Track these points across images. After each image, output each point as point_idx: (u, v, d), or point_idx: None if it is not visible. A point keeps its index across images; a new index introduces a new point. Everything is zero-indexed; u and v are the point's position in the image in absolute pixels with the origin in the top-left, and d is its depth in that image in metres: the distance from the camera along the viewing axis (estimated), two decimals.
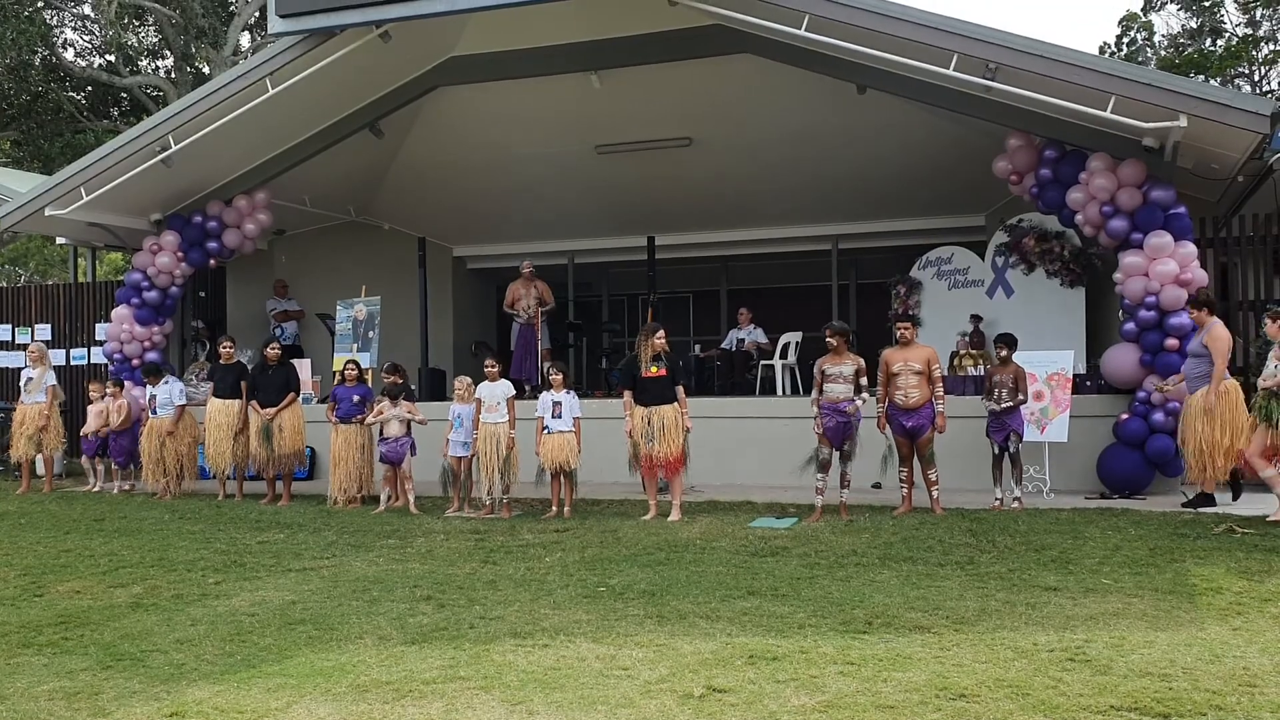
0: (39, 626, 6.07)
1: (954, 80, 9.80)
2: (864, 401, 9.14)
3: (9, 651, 5.58)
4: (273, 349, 11.44)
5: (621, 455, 9.89)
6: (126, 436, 12.43)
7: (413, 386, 12.10)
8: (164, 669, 5.17)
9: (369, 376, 12.97)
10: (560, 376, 9.89)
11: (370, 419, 10.75)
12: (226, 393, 11.58)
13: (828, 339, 9.27)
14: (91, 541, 8.94)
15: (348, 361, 11.30)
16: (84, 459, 12.89)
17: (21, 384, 12.73)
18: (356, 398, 10.90)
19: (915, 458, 9.35)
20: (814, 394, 9.33)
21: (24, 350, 13.27)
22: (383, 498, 10.62)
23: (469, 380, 10.44)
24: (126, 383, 12.85)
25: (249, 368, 11.97)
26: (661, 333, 9.61)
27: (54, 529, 9.64)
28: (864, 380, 9.14)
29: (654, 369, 9.51)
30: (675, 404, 9.48)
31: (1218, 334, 8.83)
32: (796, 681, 4.68)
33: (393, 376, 10.97)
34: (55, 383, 12.84)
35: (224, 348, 11.81)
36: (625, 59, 11.59)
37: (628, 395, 9.62)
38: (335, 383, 11.43)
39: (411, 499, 10.45)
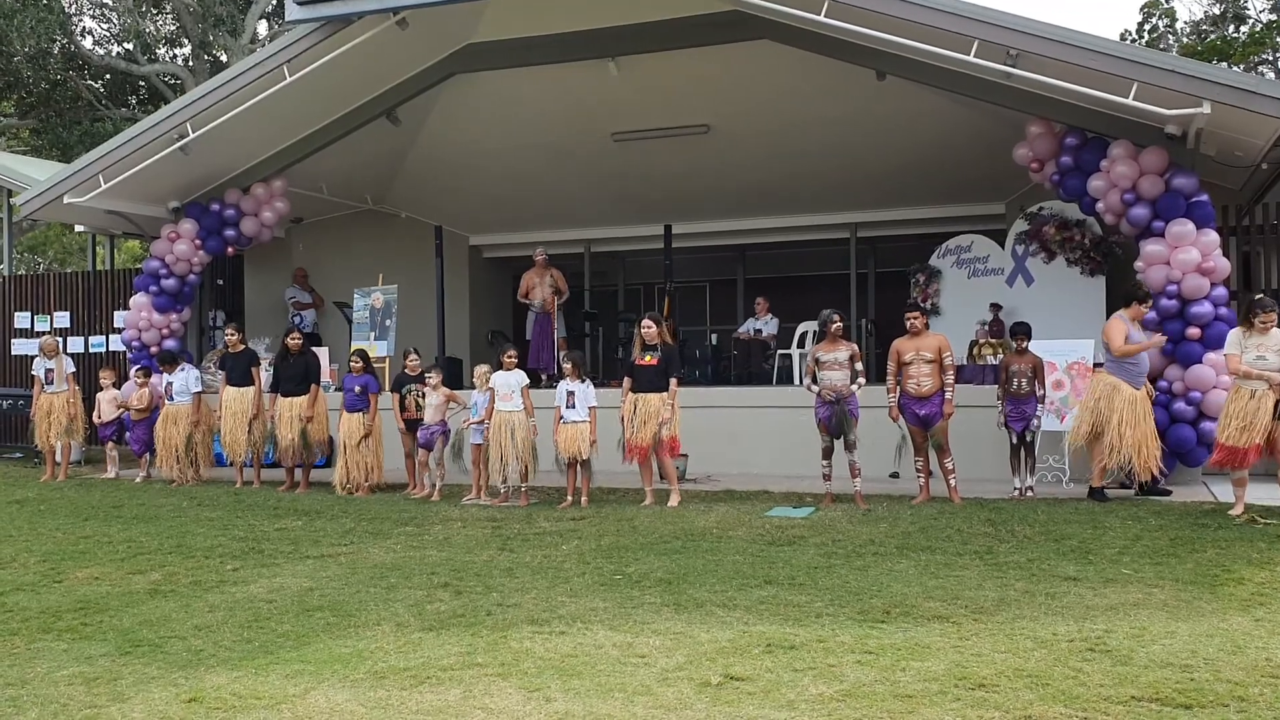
0: (58, 612, 6.10)
1: (974, 67, 9.72)
2: (859, 387, 9.14)
3: (29, 637, 5.61)
4: (294, 339, 11.44)
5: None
6: (143, 425, 12.49)
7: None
8: (182, 655, 5.19)
9: (386, 364, 13.02)
10: (570, 366, 9.89)
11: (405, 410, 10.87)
12: (238, 380, 11.63)
13: (830, 329, 9.29)
14: (110, 528, 8.98)
15: (353, 352, 11.33)
16: (109, 446, 12.94)
17: (37, 373, 12.79)
18: (358, 388, 10.94)
19: (930, 446, 9.33)
20: (807, 381, 9.42)
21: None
22: (426, 482, 10.73)
23: (487, 368, 10.45)
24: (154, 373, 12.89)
25: (257, 354, 12.03)
26: (648, 323, 9.68)
27: (73, 515, 9.70)
28: (859, 365, 9.15)
29: (647, 358, 9.60)
30: (663, 394, 9.51)
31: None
32: (814, 670, 4.66)
33: (413, 362, 11.06)
34: (74, 370, 12.94)
35: (229, 335, 11.84)
36: (643, 46, 11.54)
37: (626, 382, 9.76)
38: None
39: (438, 484, 10.52)
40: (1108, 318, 11.66)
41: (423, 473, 10.78)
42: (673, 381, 9.61)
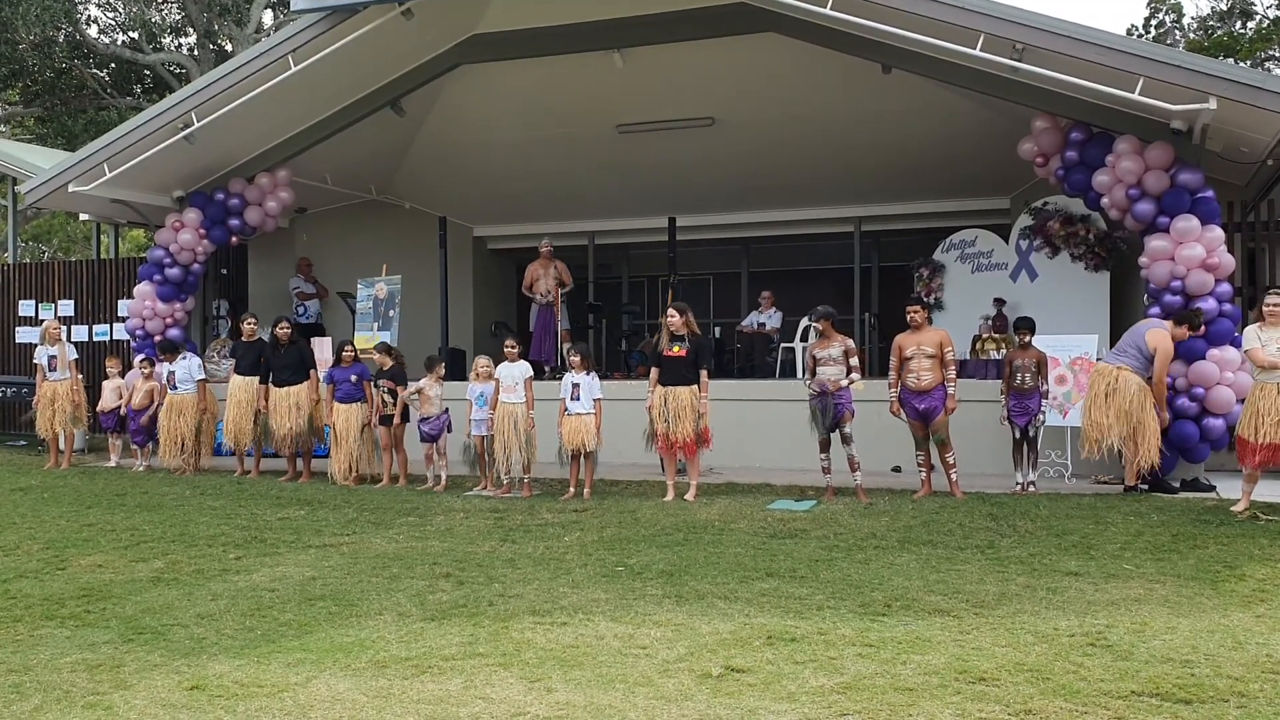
0: (61, 599, 6.12)
1: (980, 61, 9.69)
2: (851, 382, 9.13)
3: (32, 624, 5.62)
4: (282, 329, 11.42)
5: (641, 436, 9.90)
6: (144, 415, 12.50)
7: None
8: (185, 643, 5.21)
9: None
10: (578, 358, 9.88)
11: (406, 397, 10.85)
12: (248, 370, 11.62)
13: (815, 326, 9.36)
14: (113, 516, 9.00)
15: (343, 344, 11.34)
16: (111, 434, 12.97)
17: (40, 361, 12.79)
18: (354, 377, 10.96)
19: (930, 440, 9.33)
20: (806, 378, 9.43)
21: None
22: (430, 476, 10.72)
23: (488, 360, 10.47)
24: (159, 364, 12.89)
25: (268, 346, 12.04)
26: (673, 312, 9.55)
27: (76, 503, 9.72)
28: (854, 360, 9.15)
29: (675, 349, 9.49)
30: (693, 386, 9.44)
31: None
32: (815, 663, 4.67)
33: (383, 356, 11.04)
34: (76, 357, 12.95)
35: (246, 325, 11.85)
36: (648, 37, 11.52)
37: (654, 372, 9.63)
38: (331, 364, 11.46)
39: (444, 476, 10.55)
40: (1111, 313, 11.74)
41: (428, 465, 10.77)
42: (703, 373, 9.50)
